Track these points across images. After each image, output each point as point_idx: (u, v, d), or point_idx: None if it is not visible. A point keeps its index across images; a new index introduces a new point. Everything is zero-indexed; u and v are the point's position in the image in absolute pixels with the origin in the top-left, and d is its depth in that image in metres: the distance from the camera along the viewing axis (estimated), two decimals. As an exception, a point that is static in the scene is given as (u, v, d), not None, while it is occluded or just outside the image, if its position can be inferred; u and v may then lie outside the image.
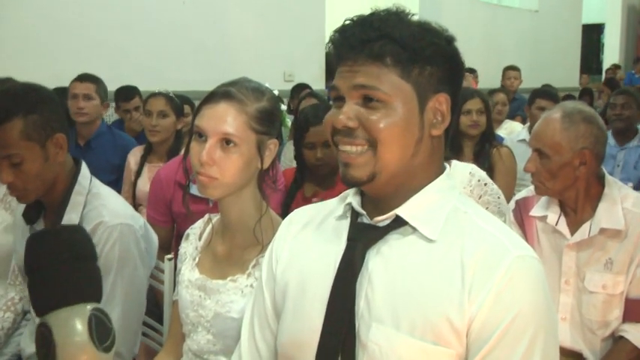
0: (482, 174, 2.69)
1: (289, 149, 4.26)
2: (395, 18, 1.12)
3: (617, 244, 2.07)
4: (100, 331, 0.88)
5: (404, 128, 1.10)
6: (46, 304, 0.89)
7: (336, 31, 1.15)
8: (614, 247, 2.07)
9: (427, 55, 1.10)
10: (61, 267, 0.91)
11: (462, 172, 2.66)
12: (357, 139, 1.11)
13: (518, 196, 2.38)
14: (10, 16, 4.71)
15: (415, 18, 1.14)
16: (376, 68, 1.09)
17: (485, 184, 2.65)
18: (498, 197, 2.61)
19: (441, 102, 1.14)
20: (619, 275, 2.06)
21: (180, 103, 3.65)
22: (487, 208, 2.57)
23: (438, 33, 1.15)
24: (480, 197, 2.63)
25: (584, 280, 2.10)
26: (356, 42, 1.10)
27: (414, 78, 1.10)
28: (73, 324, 0.86)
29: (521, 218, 2.26)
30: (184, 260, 1.72)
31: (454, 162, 2.73)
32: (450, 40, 1.16)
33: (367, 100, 1.10)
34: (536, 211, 2.23)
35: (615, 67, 12.08)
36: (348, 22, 1.14)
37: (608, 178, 2.15)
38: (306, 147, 2.68)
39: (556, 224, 2.16)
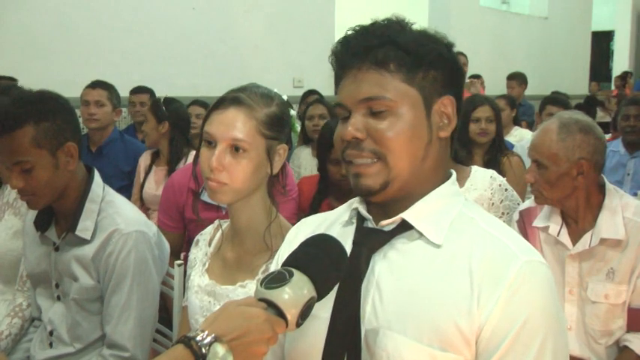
0: (502, 179, 2.70)
1: (297, 155, 4.27)
2: (396, 26, 1.14)
3: (618, 254, 2.06)
4: (306, 311, 1.03)
5: (412, 134, 1.11)
6: (304, 265, 1.05)
7: (338, 42, 1.16)
8: (615, 256, 2.07)
9: (430, 59, 1.12)
10: (327, 260, 1.08)
11: (482, 176, 2.68)
12: (364, 151, 1.12)
13: (522, 206, 2.39)
14: (21, 22, 4.75)
15: (415, 27, 1.16)
16: (380, 76, 1.10)
17: (506, 190, 2.67)
18: (518, 204, 2.61)
19: (446, 104, 1.15)
20: (621, 285, 2.05)
21: (166, 109, 3.61)
22: (507, 213, 2.58)
23: (439, 39, 1.16)
24: (502, 202, 2.65)
25: (587, 290, 2.10)
26: (359, 49, 1.11)
27: (418, 82, 1.11)
28: (302, 289, 1.03)
29: (525, 229, 2.25)
30: (194, 266, 1.72)
31: (474, 167, 2.74)
32: (449, 47, 1.17)
33: (374, 109, 1.11)
34: (538, 222, 2.22)
35: (626, 75, 12.00)
36: (350, 32, 1.15)
37: (609, 186, 2.15)
38: (331, 163, 2.69)
39: (558, 235, 2.16)
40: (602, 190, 2.13)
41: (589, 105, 7.43)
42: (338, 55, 1.16)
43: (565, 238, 2.14)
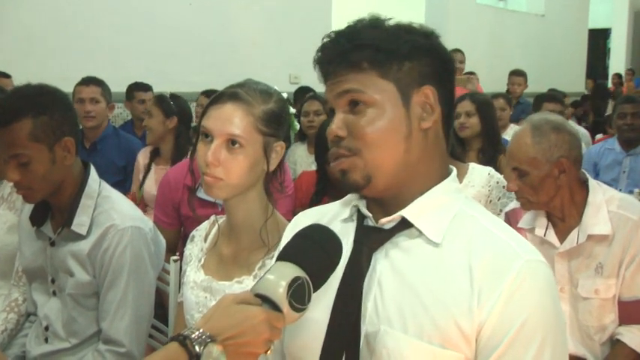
0: (500, 176, 2.71)
1: (293, 152, 4.27)
2: (368, 26, 1.15)
3: (605, 249, 2.07)
4: (297, 294, 1.03)
5: (390, 127, 1.12)
6: (286, 253, 1.08)
7: (318, 50, 1.18)
8: (602, 251, 2.07)
9: (403, 52, 1.12)
10: (313, 245, 1.09)
11: (480, 173, 2.68)
12: (341, 148, 1.14)
13: (507, 207, 2.39)
14: (19, 18, 4.73)
15: (391, 22, 1.16)
16: (356, 75, 1.12)
17: (504, 187, 2.67)
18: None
19: (427, 95, 1.14)
20: (610, 279, 2.06)
21: (173, 104, 3.59)
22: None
23: (415, 30, 1.16)
24: (499, 199, 2.65)
25: (578, 287, 2.10)
26: (334, 56, 1.13)
27: (393, 75, 1.12)
28: (284, 271, 1.04)
29: None
30: (189, 262, 1.72)
31: (472, 164, 2.75)
32: (428, 35, 1.16)
33: (354, 105, 1.12)
34: (523, 224, 2.23)
35: (630, 72, 12.01)
36: (325, 39, 1.17)
37: (592, 182, 2.15)
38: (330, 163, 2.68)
39: (544, 235, 2.16)
40: (584, 185, 2.14)
41: (600, 96, 7.33)
42: (318, 64, 1.18)
43: (552, 237, 2.15)
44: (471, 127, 3.47)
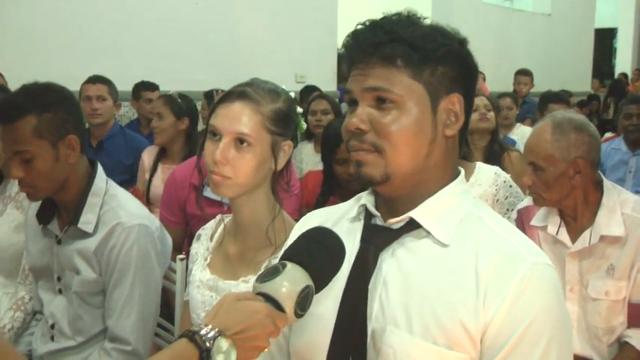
0: (506, 176, 2.70)
1: (299, 151, 4.27)
2: (406, 21, 1.13)
3: (617, 250, 2.06)
4: (302, 301, 1.04)
5: (416, 130, 1.10)
6: (296, 255, 1.07)
7: (348, 36, 1.16)
8: (615, 253, 2.06)
9: (438, 55, 1.11)
10: (322, 250, 1.10)
11: (487, 172, 2.68)
12: (365, 143, 1.12)
13: (520, 205, 2.38)
14: (19, 18, 4.73)
15: (427, 21, 1.15)
16: (387, 71, 1.10)
17: (511, 186, 2.67)
18: (522, 200, 2.61)
19: (453, 102, 1.14)
20: (621, 281, 2.05)
21: (183, 104, 3.55)
22: (512, 209, 2.58)
23: (450, 35, 1.15)
24: (506, 198, 2.65)
25: (588, 288, 2.10)
26: (368, 45, 1.11)
27: (425, 78, 1.11)
28: (295, 278, 1.04)
29: (523, 228, 2.25)
30: (195, 260, 1.72)
31: (479, 163, 2.74)
32: (462, 42, 1.16)
33: (380, 102, 1.11)
34: (536, 221, 2.22)
35: (637, 72, 11.96)
36: (360, 26, 1.15)
37: (607, 183, 2.14)
38: (337, 163, 2.67)
39: (556, 234, 2.16)
40: (599, 186, 2.13)
41: (619, 92, 7.29)
42: (348, 50, 1.15)
43: (564, 236, 2.14)
44: (490, 119, 3.47)
